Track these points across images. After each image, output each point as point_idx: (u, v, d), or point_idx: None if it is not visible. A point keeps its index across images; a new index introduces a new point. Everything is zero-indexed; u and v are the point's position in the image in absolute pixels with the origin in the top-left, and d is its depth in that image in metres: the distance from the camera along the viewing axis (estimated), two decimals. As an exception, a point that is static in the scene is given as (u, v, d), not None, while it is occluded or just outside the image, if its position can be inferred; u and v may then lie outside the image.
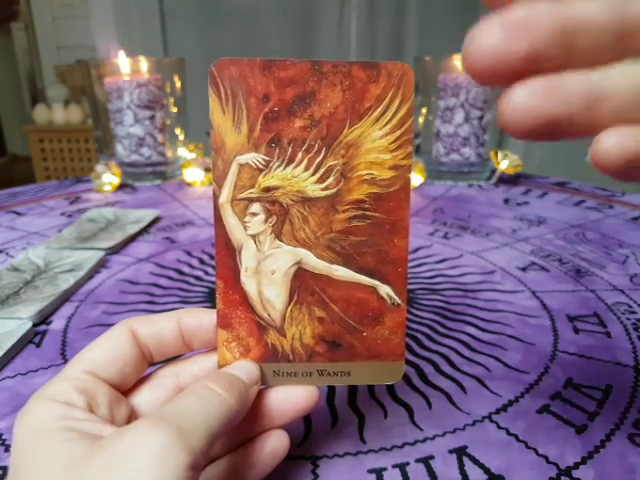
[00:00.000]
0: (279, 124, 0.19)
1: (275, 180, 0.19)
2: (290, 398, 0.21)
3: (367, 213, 0.20)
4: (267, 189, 0.19)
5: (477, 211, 0.60)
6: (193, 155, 0.75)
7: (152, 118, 0.70)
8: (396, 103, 0.19)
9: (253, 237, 0.20)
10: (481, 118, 0.69)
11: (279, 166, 0.19)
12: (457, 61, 0.69)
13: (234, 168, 0.19)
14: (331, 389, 0.29)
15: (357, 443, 0.25)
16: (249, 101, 0.19)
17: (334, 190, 0.19)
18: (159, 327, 0.21)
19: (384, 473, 0.23)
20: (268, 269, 0.20)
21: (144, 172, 0.72)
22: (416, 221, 0.56)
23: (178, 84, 0.73)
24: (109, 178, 0.68)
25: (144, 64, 0.70)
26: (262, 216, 0.20)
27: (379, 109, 0.19)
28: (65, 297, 0.39)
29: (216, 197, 0.19)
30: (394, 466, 0.24)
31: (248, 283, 0.20)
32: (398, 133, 0.19)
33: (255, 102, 0.19)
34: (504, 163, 0.68)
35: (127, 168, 0.71)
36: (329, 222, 0.20)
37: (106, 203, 0.64)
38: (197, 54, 1.51)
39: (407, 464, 0.24)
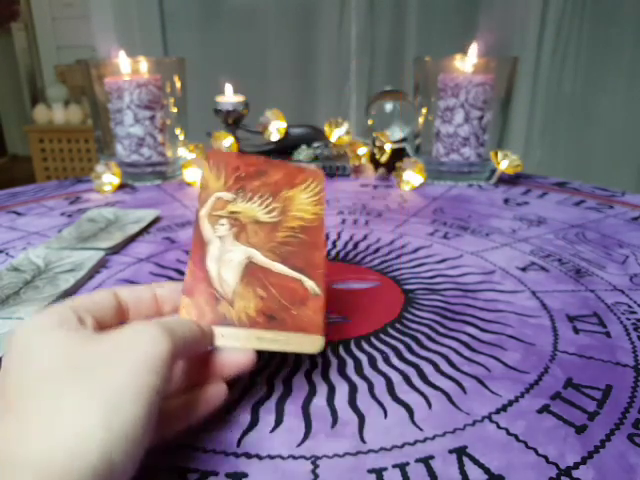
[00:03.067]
0: (244, 182, 0.30)
1: (238, 208, 0.29)
2: (232, 357, 0.26)
3: (297, 235, 0.30)
4: (232, 212, 0.29)
5: (477, 211, 0.60)
6: (193, 155, 0.75)
7: (152, 118, 0.70)
8: (314, 184, 0.31)
9: (219, 237, 0.28)
10: (481, 118, 0.69)
11: (242, 201, 0.30)
12: (457, 61, 0.69)
13: (213, 198, 0.29)
14: (331, 389, 0.29)
15: (357, 443, 0.25)
16: (227, 169, 0.30)
17: (276, 219, 0.30)
18: (137, 291, 0.26)
19: (384, 473, 0.23)
20: (227, 259, 0.28)
21: (144, 172, 0.72)
22: (416, 221, 0.56)
23: (178, 84, 0.73)
24: (109, 178, 0.68)
25: (144, 64, 0.70)
26: (227, 226, 0.29)
27: (303, 185, 0.31)
28: (65, 297, 0.39)
29: (198, 211, 0.29)
30: (394, 466, 0.24)
31: (211, 266, 0.28)
32: (315, 198, 0.31)
33: (230, 170, 0.30)
34: (504, 163, 0.68)
35: (127, 168, 0.71)
36: (272, 236, 0.29)
37: (106, 203, 0.64)
38: (197, 54, 1.51)
39: (407, 464, 0.24)
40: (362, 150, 0.79)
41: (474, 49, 0.68)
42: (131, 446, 0.18)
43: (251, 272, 0.28)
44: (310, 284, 0.28)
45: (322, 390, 0.29)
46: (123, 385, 0.19)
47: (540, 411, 0.27)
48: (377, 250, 0.48)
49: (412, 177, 0.69)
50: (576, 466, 0.24)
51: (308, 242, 0.29)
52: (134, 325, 0.22)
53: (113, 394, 0.19)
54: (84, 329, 0.22)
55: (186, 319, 0.25)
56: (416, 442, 0.25)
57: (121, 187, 0.69)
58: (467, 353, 0.32)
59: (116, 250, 0.48)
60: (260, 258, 0.28)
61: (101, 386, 0.19)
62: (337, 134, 0.78)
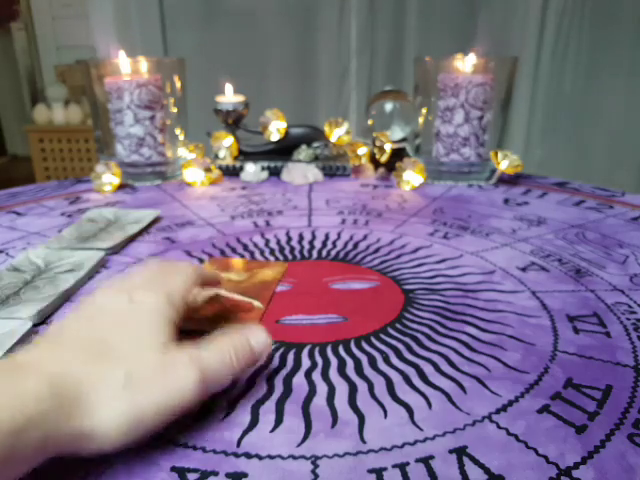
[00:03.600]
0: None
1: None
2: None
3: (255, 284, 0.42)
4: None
5: (477, 211, 0.60)
6: (193, 155, 0.75)
7: (152, 118, 0.70)
8: (279, 267, 0.44)
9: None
10: (481, 118, 0.69)
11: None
12: (457, 61, 0.69)
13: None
14: (331, 389, 0.29)
15: (357, 443, 0.25)
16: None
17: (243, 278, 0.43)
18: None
19: (384, 473, 0.23)
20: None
21: (144, 172, 0.72)
22: (416, 221, 0.56)
23: (178, 84, 0.73)
24: (109, 178, 0.68)
25: (144, 64, 0.70)
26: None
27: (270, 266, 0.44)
28: (65, 297, 0.39)
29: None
30: (394, 466, 0.24)
31: None
32: (277, 271, 0.44)
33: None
34: (504, 163, 0.68)
35: (127, 168, 0.71)
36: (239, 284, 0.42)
37: (106, 203, 0.64)
38: (197, 54, 1.50)
39: (407, 464, 0.24)
40: (362, 150, 0.79)
41: (473, 57, 0.68)
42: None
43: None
44: (256, 303, 0.36)
45: (322, 390, 0.29)
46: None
47: (540, 411, 0.27)
48: (377, 250, 0.48)
49: (412, 177, 0.69)
50: (576, 466, 0.24)
51: (261, 286, 0.41)
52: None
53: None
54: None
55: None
56: (416, 442, 0.25)
57: (121, 187, 0.70)
58: (467, 353, 0.32)
59: (116, 250, 0.48)
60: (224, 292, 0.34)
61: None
62: (337, 134, 0.78)
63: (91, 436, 0.21)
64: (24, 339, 0.33)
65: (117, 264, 0.46)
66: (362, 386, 0.29)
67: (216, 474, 0.23)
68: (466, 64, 0.68)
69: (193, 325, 0.32)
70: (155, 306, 0.26)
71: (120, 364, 0.23)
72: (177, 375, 0.24)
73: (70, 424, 0.21)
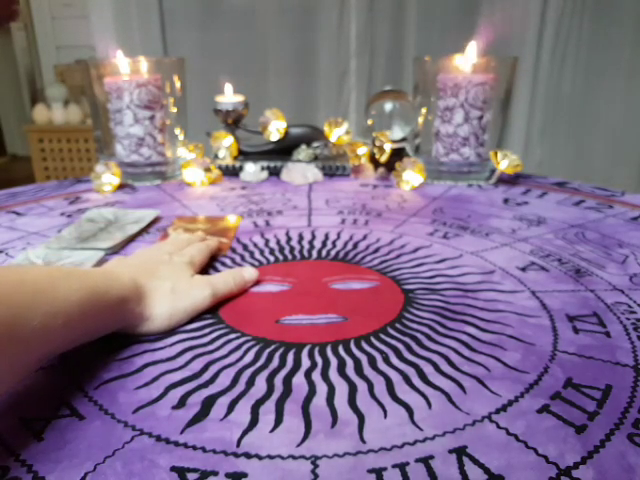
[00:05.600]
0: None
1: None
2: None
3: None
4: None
5: (477, 211, 0.60)
6: (193, 155, 0.75)
7: (152, 118, 0.70)
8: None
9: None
10: (480, 118, 0.69)
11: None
12: (457, 61, 0.69)
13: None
14: (331, 389, 0.29)
15: (357, 443, 0.25)
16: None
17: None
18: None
19: (384, 473, 0.23)
20: None
21: (144, 172, 0.72)
22: (416, 221, 0.56)
23: (178, 84, 0.73)
24: (109, 178, 0.68)
25: (144, 64, 0.70)
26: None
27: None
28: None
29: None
30: (394, 466, 0.24)
31: None
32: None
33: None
34: (504, 163, 0.68)
35: (127, 168, 0.71)
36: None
37: (106, 203, 0.64)
38: (197, 54, 1.50)
39: (407, 464, 0.24)
40: (362, 150, 0.79)
41: (473, 48, 0.68)
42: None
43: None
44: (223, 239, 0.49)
45: (322, 390, 0.29)
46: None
47: (540, 411, 0.27)
48: (377, 250, 0.48)
49: (412, 177, 0.69)
50: (576, 466, 0.24)
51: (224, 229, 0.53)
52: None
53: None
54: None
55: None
56: (416, 442, 0.25)
57: (121, 187, 0.69)
58: (467, 353, 0.32)
59: (116, 250, 0.48)
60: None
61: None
62: (337, 134, 0.78)
63: (149, 318, 0.34)
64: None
65: (117, 264, 0.46)
66: (362, 386, 0.29)
67: (216, 474, 0.23)
68: (466, 64, 0.68)
69: None
70: (184, 265, 0.39)
71: (167, 281, 0.36)
72: (199, 290, 0.37)
73: (140, 308, 0.34)
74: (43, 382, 0.30)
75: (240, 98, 0.76)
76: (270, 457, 0.24)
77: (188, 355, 0.32)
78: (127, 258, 0.40)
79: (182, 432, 0.26)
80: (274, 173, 0.76)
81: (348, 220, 0.57)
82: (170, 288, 0.36)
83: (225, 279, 0.39)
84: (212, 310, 0.38)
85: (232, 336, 0.34)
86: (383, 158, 0.73)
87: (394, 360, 0.32)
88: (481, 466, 0.24)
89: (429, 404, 0.28)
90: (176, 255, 0.40)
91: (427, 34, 1.51)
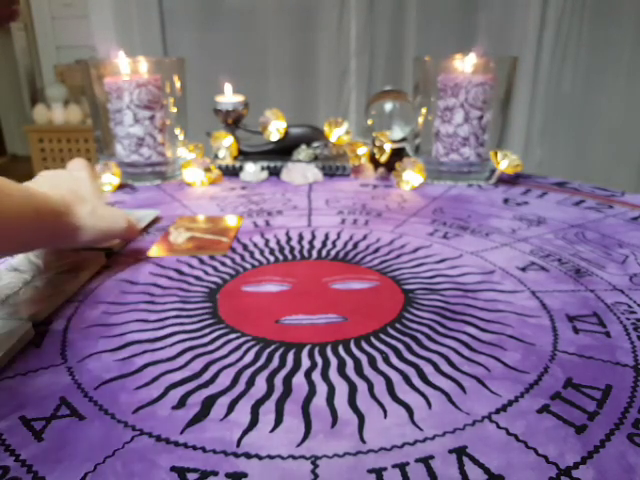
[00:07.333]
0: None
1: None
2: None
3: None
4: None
5: (477, 211, 0.60)
6: (193, 155, 0.75)
7: (152, 118, 0.70)
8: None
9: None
10: (480, 118, 0.69)
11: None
12: (457, 61, 0.69)
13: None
14: (331, 389, 0.29)
15: (357, 443, 0.25)
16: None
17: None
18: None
19: (384, 473, 0.23)
20: None
21: (144, 172, 0.72)
22: (416, 221, 0.56)
23: (178, 84, 0.73)
24: (109, 178, 0.68)
25: (144, 64, 0.70)
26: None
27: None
28: (65, 297, 0.39)
29: None
30: (394, 466, 0.24)
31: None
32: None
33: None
34: (504, 163, 0.68)
35: (127, 168, 0.71)
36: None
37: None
38: (197, 54, 1.50)
39: (407, 464, 0.24)
40: (362, 150, 0.79)
41: (473, 57, 0.68)
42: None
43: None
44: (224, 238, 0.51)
45: (322, 390, 0.29)
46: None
47: (540, 411, 0.27)
48: (377, 250, 0.48)
49: (412, 177, 0.69)
50: (576, 466, 0.24)
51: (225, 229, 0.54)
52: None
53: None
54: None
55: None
56: (416, 442, 0.25)
57: (121, 187, 0.69)
58: (467, 353, 0.32)
59: (116, 250, 0.48)
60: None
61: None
62: (337, 134, 0.78)
63: (80, 229, 0.40)
64: (24, 339, 0.33)
65: (117, 264, 0.46)
66: (362, 386, 0.29)
67: (216, 474, 0.23)
68: (466, 64, 0.68)
69: (180, 254, 0.48)
70: (86, 175, 0.45)
71: (88, 203, 0.41)
72: (118, 218, 0.44)
73: (70, 218, 0.39)
74: (43, 382, 0.30)
75: (240, 98, 0.76)
76: (270, 457, 0.24)
77: (188, 355, 0.32)
78: (44, 179, 0.42)
79: (182, 432, 0.26)
80: (274, 173, 0.76)
81: (348, 220, 0.57)
82: (90, 210, 0.41)
83: (131, 220, 0.46)
84: (212, 310, 0.38)
85: (232, 336, 0.34)
86: (383, 158, 0.73)
87: (394, 360, 0.32)
88: (481, 466, 0.24)
89: (429, 404, 0.28)
90: (74, 171, 0.45)
91: (427, 34, 1.51)
